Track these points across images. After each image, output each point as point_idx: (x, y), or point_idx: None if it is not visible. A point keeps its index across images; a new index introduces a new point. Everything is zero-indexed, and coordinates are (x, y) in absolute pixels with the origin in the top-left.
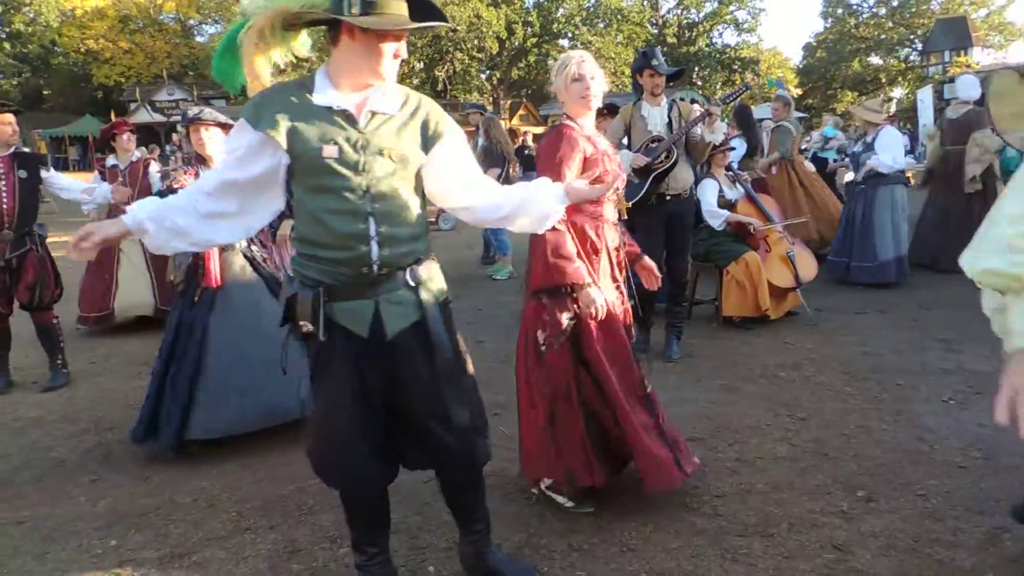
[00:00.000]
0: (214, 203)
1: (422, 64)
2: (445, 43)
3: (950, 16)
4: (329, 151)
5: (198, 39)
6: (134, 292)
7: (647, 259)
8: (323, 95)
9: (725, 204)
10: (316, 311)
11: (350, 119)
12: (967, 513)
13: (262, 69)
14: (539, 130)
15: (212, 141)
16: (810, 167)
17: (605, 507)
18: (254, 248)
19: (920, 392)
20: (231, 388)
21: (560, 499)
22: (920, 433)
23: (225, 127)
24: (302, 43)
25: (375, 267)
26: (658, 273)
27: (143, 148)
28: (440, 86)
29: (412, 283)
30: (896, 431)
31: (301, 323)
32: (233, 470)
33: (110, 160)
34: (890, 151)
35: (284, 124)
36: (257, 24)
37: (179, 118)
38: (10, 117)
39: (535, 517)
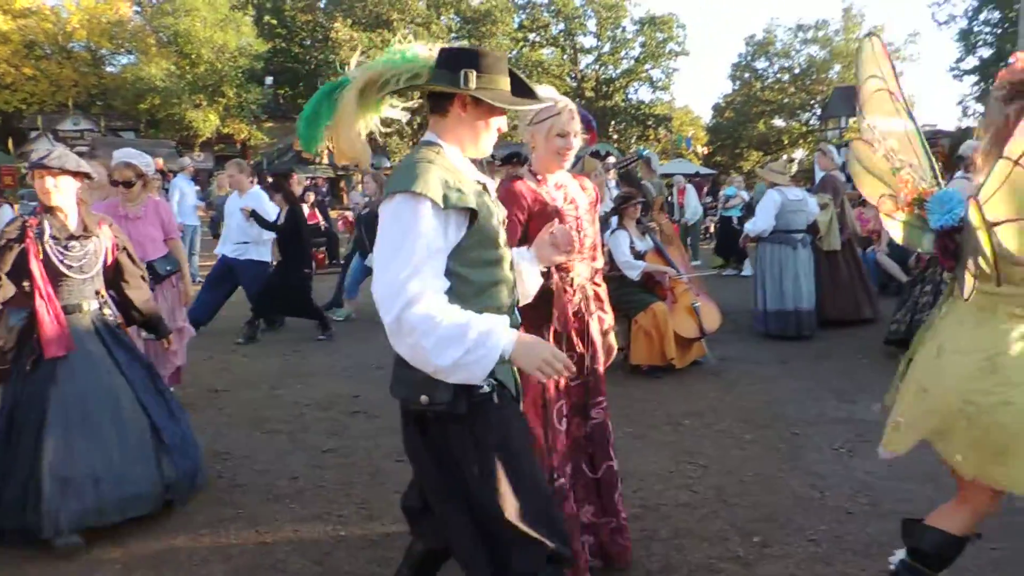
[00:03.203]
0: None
1: None
2: None
3: (847, 85)
4: (498, 223)
5: (108, 68)
6: None
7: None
8: (462, 167)
9: (635, 255)
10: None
11: (488, 191)
12: (855, 557)
13: (359, 132)
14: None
15: (60, 192)
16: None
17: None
18: (107, 311)
19: (814, 440)
20: (82, 474)
21: None
22: (813, 480)
23: (77, 175)
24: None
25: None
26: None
27: None
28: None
29: None
30: (790, 478)
31: (482, 385)
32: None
33: None
34: (758, 215)
35: (471, 197)
36: (356, 85)
37: (84, 148)
38: None
39: None
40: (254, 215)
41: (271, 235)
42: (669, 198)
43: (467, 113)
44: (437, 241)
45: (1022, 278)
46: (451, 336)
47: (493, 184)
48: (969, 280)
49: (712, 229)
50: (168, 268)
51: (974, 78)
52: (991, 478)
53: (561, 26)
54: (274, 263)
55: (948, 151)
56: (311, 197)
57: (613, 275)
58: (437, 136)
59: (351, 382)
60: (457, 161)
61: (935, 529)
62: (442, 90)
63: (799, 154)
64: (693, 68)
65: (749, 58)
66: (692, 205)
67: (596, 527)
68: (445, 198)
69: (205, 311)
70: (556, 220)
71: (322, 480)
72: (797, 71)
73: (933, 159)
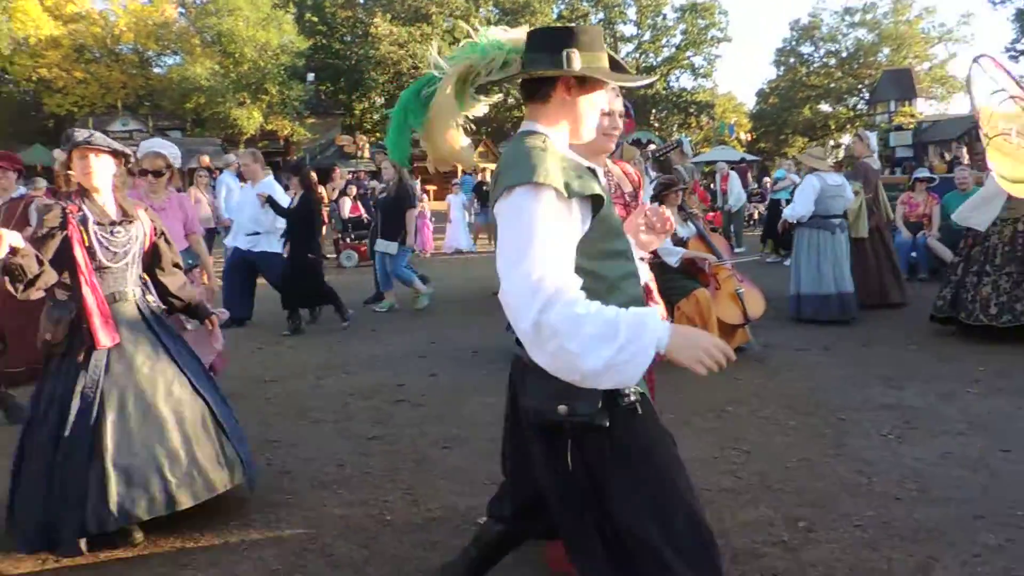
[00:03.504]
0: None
1: (383, 100)
2: (407, 79)
3: (896, 68)
4: (617, 212)
5: (156, 70)
6: None
7: None
8: (572, 155)
9: (677, 242)
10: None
11: (599, 177)
12: (901, 543)
13: (457, 131)
14: None
15: (101, 171)
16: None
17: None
18: (150, 298)
19: (861, 427)
20: (146, 464)
21: None
22: (859, 466)
23: (118, 155)
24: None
25: None
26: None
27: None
28: None
29: None
30: (836, 464)
31: (628, 392)
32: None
33: None
34: (796, 201)
35: (593, 184)
36: (451, 79)
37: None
38: None
39: None
40: (270, 201)
41: (284, 224)
42: (712, 185)
43: (571, 96)
44: (566, 234)
45: None
46: (600, 334)
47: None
48: None
49: (756, 216)
50: (189, 262)
51: None
52: None
53: (601, 15)
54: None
55: None
56: (353, 190)
57: (654, 262)
58: (539, 124)
59: (394, 371)
60: (566, 149)
61: None
62: (543, 74)
63: (846, 139)
64: (736, 55)
65: (794, 43)
66: (736, 192)
67: None
68: (567, 186)
69: (242, 307)
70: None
71: (368, 467)
72: (844, 55)
73: None
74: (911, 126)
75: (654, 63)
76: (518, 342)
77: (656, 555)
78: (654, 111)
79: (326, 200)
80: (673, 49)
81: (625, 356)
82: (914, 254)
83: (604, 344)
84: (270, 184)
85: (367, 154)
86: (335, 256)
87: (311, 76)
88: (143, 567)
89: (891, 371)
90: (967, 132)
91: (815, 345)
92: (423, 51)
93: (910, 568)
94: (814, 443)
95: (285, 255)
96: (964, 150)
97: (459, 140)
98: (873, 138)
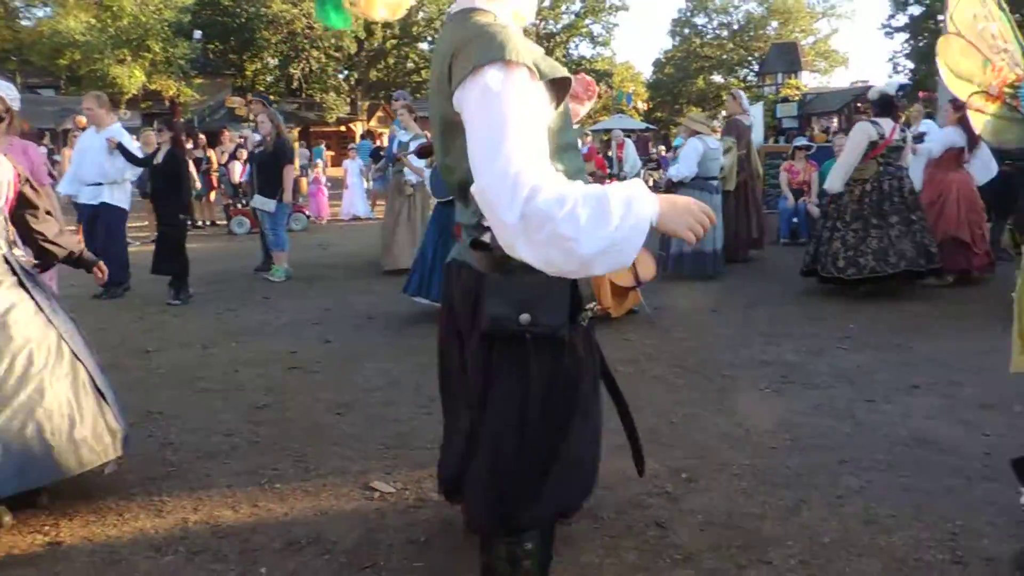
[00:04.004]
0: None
1: (276, 61)
2: (301, 40)
3: (783, 41)
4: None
5: (24, 22)
6: None
7: None
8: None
9: None
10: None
11: None
12: (774, 488)
13: None
14: None
15: None
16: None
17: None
18: (17, 252)
19: (742, 382)
20: (24, 432)
21: None
22: (739, 419)
23: None
24: None
25: None
26: None
27: None
28: (295, 84)
29: None
30: (718, 418)
31: (589, 307)
32: None
33: None
34: (681, 162)
35: (559, 68)
36: None
37: None
38: None
39: (374, 513)
40: (120, 148)
41: (134, 174)
42: (608, 152)
43: None
44: (541, 116)
45: None
46: (594, 214)
47: None
48: None
49: (651, 183)
50: None
51: (904, 35)
52: None
53: None
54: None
55: None
56: (243, 154)
57: None
58: (479, 1)
59: (288, 339)
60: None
61: None
62: None
63: None
64: (634, 24)
65: (689, 14)
66: (631, 159)
67: None
68: (536, 66)
69: (117, 270)
70: None
71: (257, 436)
72: (736, 27)
73: None
74: (797, 98)
75: (554, 30)
76: (477, 245)
77: (560, 474)
78: None
79: (215, 164)
80: (573, 16)
81: (623, 233)
82: (795, 219)
83: (600, 224)
84: (119, 130)
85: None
86: (226, 223)
87: (198, 34)
88: (12, 547)
89: (771, 329)
90: (847, 104)
91: (704, 307)
92: None
93: (781, 512)
94: (700, 399)
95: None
96: (835, 120)
97: None
98: (744, 98)
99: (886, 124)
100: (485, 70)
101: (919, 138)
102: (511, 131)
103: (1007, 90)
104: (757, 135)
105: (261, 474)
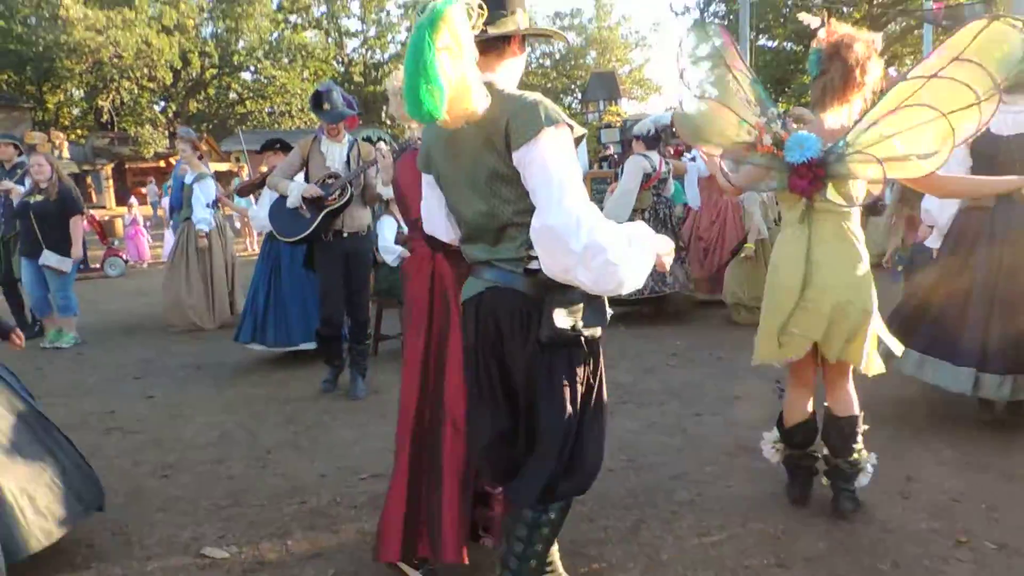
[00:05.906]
0: None
1: (81, 92)
2: (109, 69)
3: (602, 71)
4: None
5: None
6: None
7: None
8: None
9: (403, 240)
10: None
11: None
12: (615, 511)
13: (475, 78)
14: (222, 166)
15: None
16: None
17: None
18: None
19: None
20: None
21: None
22: None
23: None
24: None
25: None
26: None
27: None
28: (105, 117)
29: None
30: None
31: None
32: None
33: None
34: None
35: (575, 125)
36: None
37: None
38: None
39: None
40: None
41: None
42: None
43: (520, 51)
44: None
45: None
46: (628, 245)
47: None
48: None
49: None
50: None
51: (708, 64)
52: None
53: (324, 8)
54: None
55: None
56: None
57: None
58: (492, 76)
59: (104, 397)
60: None
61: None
62: (504, 33)
63: None
64: None
65: None
66: None
67: None
68: (570, 126)
69: None
70: None
71: None
72: (558, 57)
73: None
74: (618, 124)
75: (382, 60)
76: (529, 273)
77: (590, 457)
78: (385, 108)
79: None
80: (400, 46)
81: (645, 259)
82: None
83: (634, 253)
84: None
85: (67, 153)
86: None
87: None
88: None
89: (607, 350)
90: (663, 129)
91: None
92: (126, 38)
93: (622, 534)
94: None
95: None
96: (633, 143)
97: (477, 84)
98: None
99: (654, 157)
100: (543, 133)
101: (692, 157)
102: (572, 179)
103: (775, 143)
104: (583, 162)
105: (73, 552)
